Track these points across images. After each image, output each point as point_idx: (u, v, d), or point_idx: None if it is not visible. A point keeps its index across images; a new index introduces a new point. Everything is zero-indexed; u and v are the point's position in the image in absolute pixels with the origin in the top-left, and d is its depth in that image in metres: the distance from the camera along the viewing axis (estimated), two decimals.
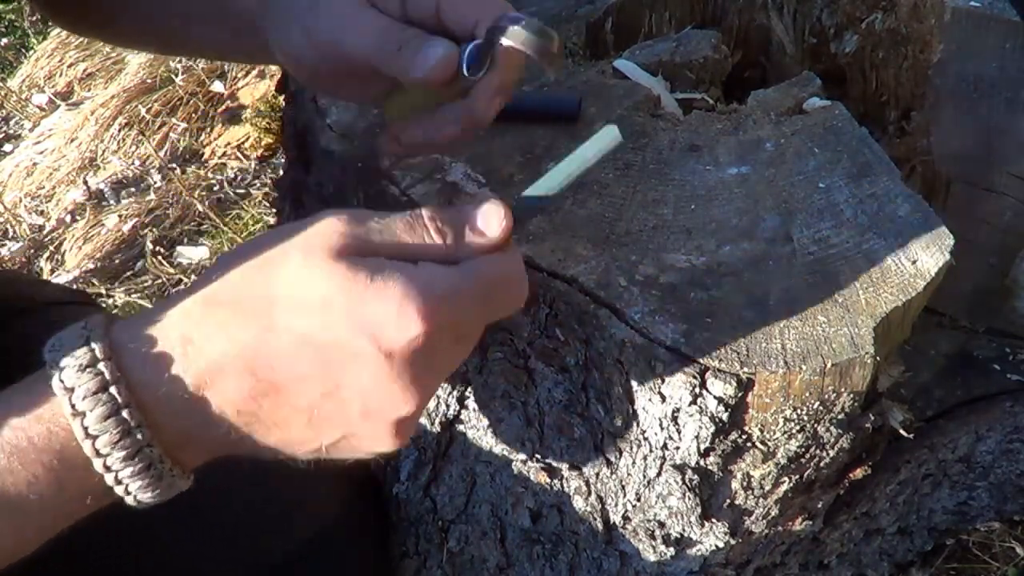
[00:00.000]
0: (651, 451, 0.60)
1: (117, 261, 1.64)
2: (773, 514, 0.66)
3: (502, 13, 0.50)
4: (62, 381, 0.40)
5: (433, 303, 0.41)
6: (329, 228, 0.42)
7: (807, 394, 0.54)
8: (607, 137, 0.47)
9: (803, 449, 0.59)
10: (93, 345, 0.40)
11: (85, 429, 0.40)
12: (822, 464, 0.62)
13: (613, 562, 0.71)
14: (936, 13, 0.76)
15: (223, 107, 1.91)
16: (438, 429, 0.73)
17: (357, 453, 0.45)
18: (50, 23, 2.28)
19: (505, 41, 0.49)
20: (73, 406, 0.40)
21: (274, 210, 1.60)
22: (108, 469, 0.41)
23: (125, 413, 0.40)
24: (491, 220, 0.44)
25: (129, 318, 0.43)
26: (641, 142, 0.66)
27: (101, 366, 0.40)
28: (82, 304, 0.87)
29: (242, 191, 1.73)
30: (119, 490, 0.42)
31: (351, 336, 0.40)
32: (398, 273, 0.41)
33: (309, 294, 0.40)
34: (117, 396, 0.40)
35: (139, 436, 0.40)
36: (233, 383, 0.41)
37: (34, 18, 2.34)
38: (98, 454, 0.40)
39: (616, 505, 0.66)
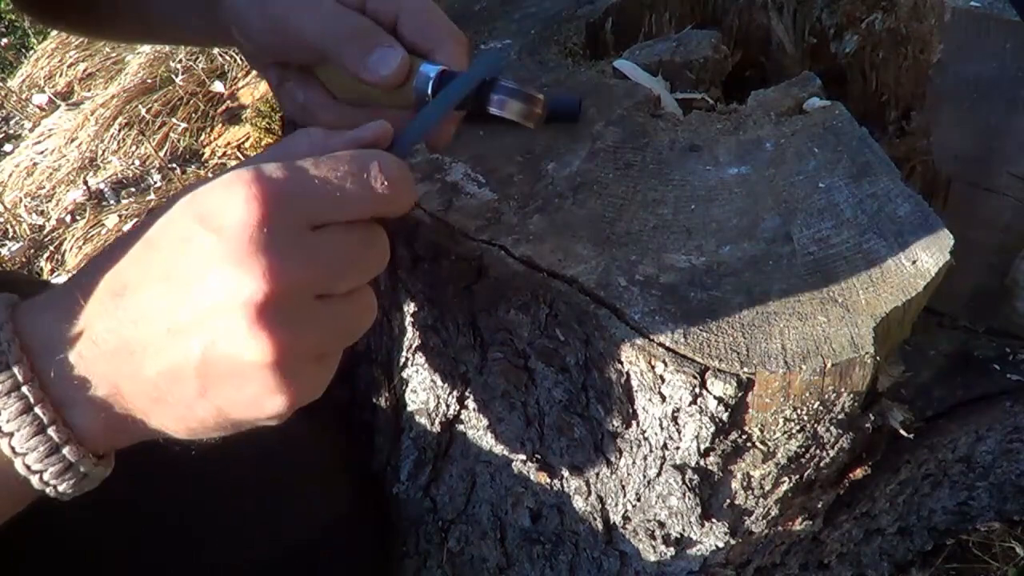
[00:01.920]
0: (651, 451, 0.60)
1: None
2: (773, 514, 0.66)
3: (496, 78, 0.52)
4: None
5: (265, 177, 0.39)
6: None
7: (807, 394, 0.54)
8: (488, 56, 0.49)
9: (803, 449, 0.59)
10: None
11: None
12: (822, 464, 0.62)
13: (613, 562, 0.71)
14: (936, 13, 0.76)
15: (223, 107, 1.91)
16: (438, 429, 0.73)
17: (240, 384, 0.40)
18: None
19: (495, 111, 0.52)
20: None
21: None
22: (0, 431, 0.40)
23: (4, 349, 0.40)
24: (367, 127, 0.45)
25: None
26: (641, 142, 0.66)
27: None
28: None
29: None
30: (19, 465, 0.41)
31: (182, 223, 0.40)
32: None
33: (161, 210, 0.41)
34: (6, 352, 0.40)
35: (17, 373, 0.40)
36: (96, 306, 0.41)
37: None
38: None
39: (616, 505, 0.66)
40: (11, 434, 0.40)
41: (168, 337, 0.40)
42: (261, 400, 0.41)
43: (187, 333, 0.39)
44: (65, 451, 0.41)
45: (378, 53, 0.52)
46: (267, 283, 0.38)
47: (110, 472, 0.44)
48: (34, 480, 0.41)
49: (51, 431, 0.41)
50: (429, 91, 0.52)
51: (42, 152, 1.91)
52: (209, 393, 0.41)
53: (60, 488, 0.42)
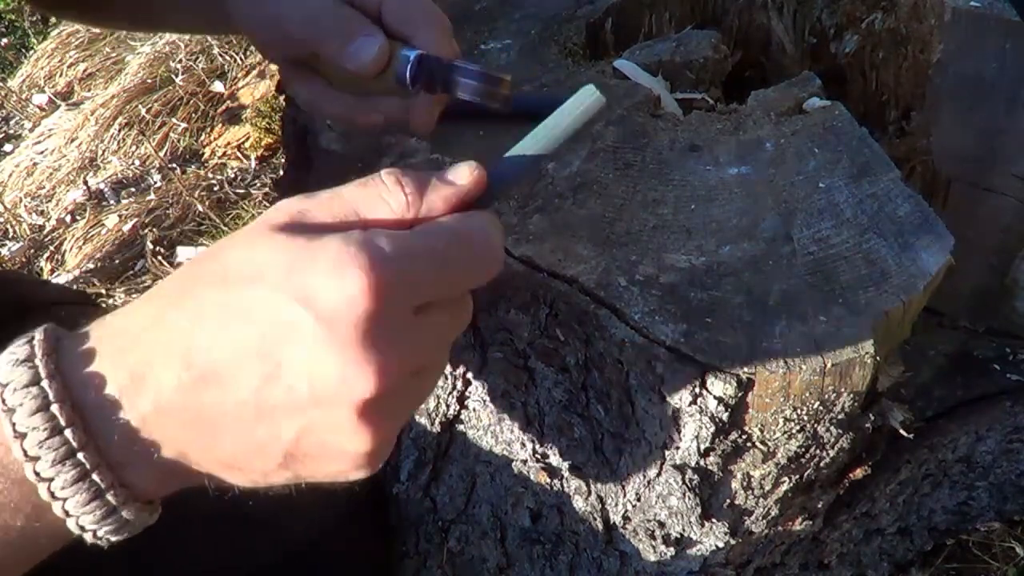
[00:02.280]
0: (651, 451, 0.60)
1: (117, 261, 1.64)
2: (773, 514, 0.66)
3: (458, 62, 0.52)
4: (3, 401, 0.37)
5: (376, 261, 0.36)
6: (277, 207, 0.39)
7: (807, 394, 0.54)
8: (586, 96, 0.45)
9: (803, 449, 0.59)
10: (37, 363, 0.37)
11: (24, 450, 0.37)
12: (822, 464, 0.62)
13: (613, 562, 0.71)
14: (936, 13, 0.76)
15: (223, 107, 1.91)
16: (438, 429, 0.73)
17: (331, 463, 0.39)
18: (50, 22, 2.28)
19: (462, 94, 0.52)
20: (14, 425, 0.37)
21: None
22: (53, 496, 0.37)
23: (56, 412, 0.37)
24: (460, 171, 0.41)
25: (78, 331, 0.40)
26: (641, 142, 0.66)
27: (44, 384, 0.37)
28: (82, 304, 0.87)
29: (242, 191, 1.73)
30: (71, 524, 0.38)
31: (285, 305, 0.36)
32: (339, 235, 0.37)
33: (244, 269, 0.37)
34: (58, 414, 0.37)
35: (70, 438, 0.37)
36: (167, 373, 0.37)
37: (34, 18, 2.35)
38: (37, 476, 0.37)
39: (616, 505, 0.66)
40: (65, 499, 0.37)
41: (258, 416, 0.37)
42: (345, 474, 0.40)
43: (282, 415, 0.37)
44: (123, 512, 0.39)
45: (358, 42, 0.53)
46: (378, 381, 0.36)
47: (149, 520, 0.42)
48: (87, 536, 0.39)
49: (109, 496, 0.38)
50: (407, 75, 0.53)
51: (42, 152, 1.91)
52: (292, 467, 0.39)
53: (112, 539, 0.40)
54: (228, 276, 0.37)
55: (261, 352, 0.36)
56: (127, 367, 0.38)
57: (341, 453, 0.38)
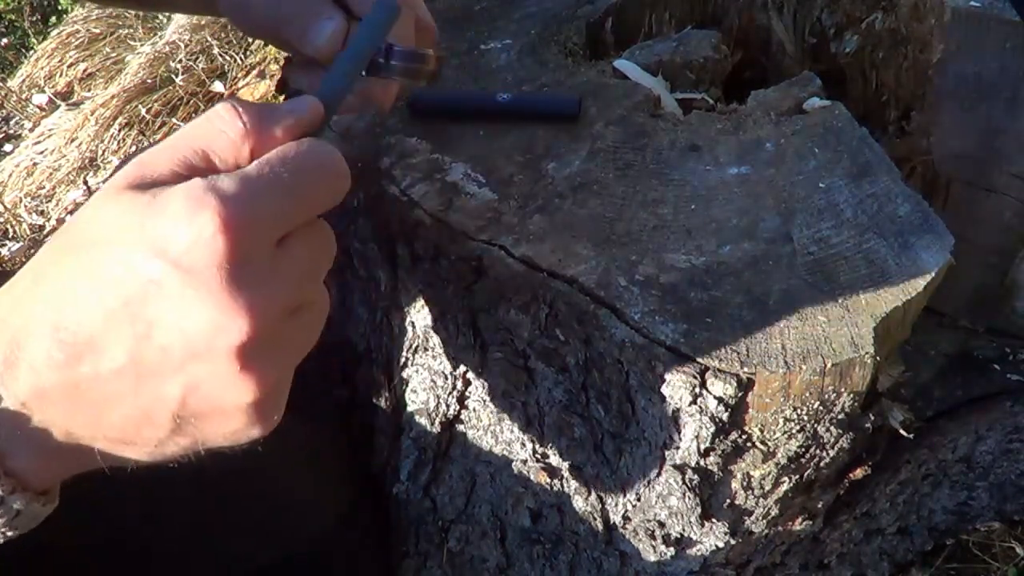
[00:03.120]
0: (651, 451, 0.60)
1: None
2: (773, 514, 0.66)
3: (384, 44, 0.51)
4: None
5: (226, 198, 0.35)
6: (123, 166, 0.38)
7: (807, 394, 0.54)
8: (381, 8, 0.46)
9: (803, 449, 0.59)
10: None
11: None
12: (822, 464, 0.62)
13: (613, 562, 0.71)
14: (936, 13, 0.76)
15: None
16: (438, 429, 0.73)
17: (221, 421, 0.38)
18: (50, 22, 2.28)
19: (388, 76, 0.51)
20: None
21: None
22: None
23: None
24: (299, 101, 0.41)
25: None
26: (641, 142, 0.66)
27: None
28: None
29: None
30: None
31: (143, 261, 0.35)
32: (184, 183, 0.36)
33: (96, 233, 0.36)
34: None
35: None
36: (38, 352, 0.36)
37: (34, 18, 2.35)
38: None
39: (616, 505, 0.66)
40: None
41: (139, 383, 0.36)
42: (240, 433, 0.39)
43: (162, 377, 0.36)
44: (12, 503, 0.37)
45: (315, 26, 0.52)
46: (249, 322, 0.35)
47: (55, 505, 0.40)
48: None
49: None
50: None
51: (42, 152, 1.91)
52: (185, 430, 0.38)
53: (8, 534, 0.39)
54: (82, 243, 0.37)
55: (128, 314, 0.35)
56: (4, 359, 0.36)
57: (228, 407, 0.37)
